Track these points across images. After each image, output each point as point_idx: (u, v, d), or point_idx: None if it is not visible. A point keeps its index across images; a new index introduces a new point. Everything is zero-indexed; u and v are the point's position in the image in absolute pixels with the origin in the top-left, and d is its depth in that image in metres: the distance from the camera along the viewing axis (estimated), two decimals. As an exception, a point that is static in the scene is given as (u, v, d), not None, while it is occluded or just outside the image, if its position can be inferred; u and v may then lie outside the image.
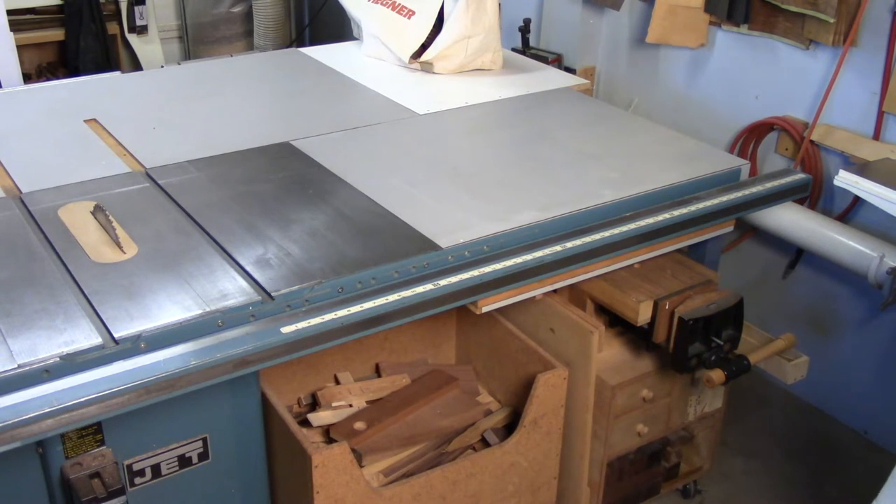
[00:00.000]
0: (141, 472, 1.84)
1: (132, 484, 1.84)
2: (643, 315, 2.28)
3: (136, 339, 1.69)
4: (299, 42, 5.37)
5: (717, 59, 3.38)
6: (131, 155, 2.49)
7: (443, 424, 2.32)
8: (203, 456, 1.91)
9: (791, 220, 2.83)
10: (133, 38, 4.75)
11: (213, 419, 1.90)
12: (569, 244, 2.13)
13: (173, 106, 2.91)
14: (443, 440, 2.30)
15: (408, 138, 2.70)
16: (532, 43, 3.92)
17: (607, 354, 2.41)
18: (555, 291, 2.32)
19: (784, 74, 3.15)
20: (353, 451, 2.07)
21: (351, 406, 2.35)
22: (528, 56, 3.67)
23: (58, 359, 1.62)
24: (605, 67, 3.88)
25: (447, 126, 2.83)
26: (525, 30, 3.85)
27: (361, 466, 2.10)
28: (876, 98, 2.87)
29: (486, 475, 2.19)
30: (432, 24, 3.20)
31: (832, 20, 2.86)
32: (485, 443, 2.31)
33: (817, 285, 3.20)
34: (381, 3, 3.30)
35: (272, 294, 1.84)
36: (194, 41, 5.21)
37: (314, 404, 2.41)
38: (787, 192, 2.54)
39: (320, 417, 2.30)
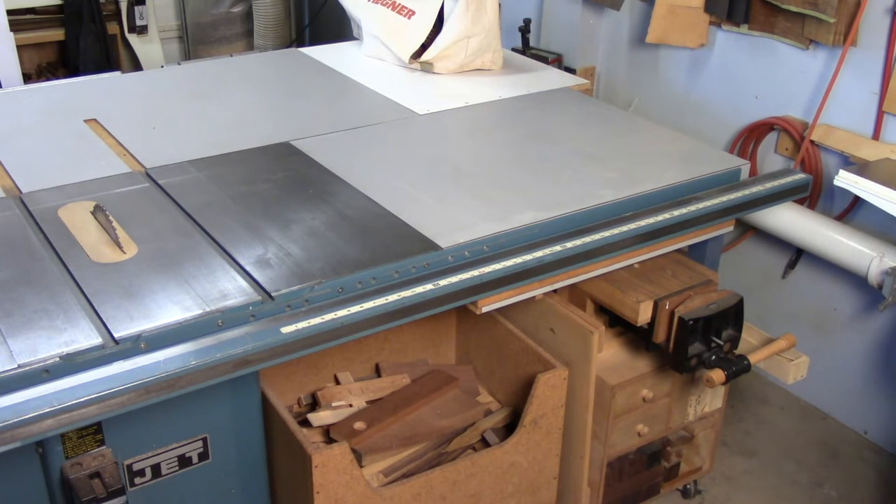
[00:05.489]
0: (141, 472, 1.84)
1: (132, 484, 1.84)
2: (643, 315, 2.28)
3: (136, 339, 1.69)
4: (299, 42, 5.37)
5: (717, 59, 3.38)
6: (131, 155, 2.49)
7: (443, 424, 2.32)
8: (203, 456, 1.91)
9: (791, 220, 2.83)
10: (133, 38, 4.74)
11: (213, 419, 1.90)
12: (569, 244, 2.13)
13: (173, 106, 2.91)
14: (443, 440, 2.30)
15: (408, 138, 2.70)
16: (532, 43, 3.93)
17: (607, 354, 2.41)
18: (555, 291, 2.32)
19: (784, 74, 3.15)
20: (353, 451, 2.07)
21: (351, 406, 2.35)
22: (528, 56, 3.67)
23: (58, 359, 1.62)
24: (605, 67, 3.88)
25: (447, 126, 2.83)
26: (525, 30, 3.85)
27: (361, 466, 2.10)
28: (876, 98, 2.87)
29: (486, 475, 2.19)
30: (432, 24, 3.20)
31: (832, 20, 2.86)
32: (485, 443, 2.31)
33: (817, 285, 3.20)
34: (381, 3, 3.30)
35: (272, 294, 1.84)
36: (194, 41, 5.21)
37: (314, 404, 2.42)
38: (787, 192, 2.54)
39: (320, 417, 2.30)
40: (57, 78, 4.15)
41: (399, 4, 3.26)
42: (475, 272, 2.00)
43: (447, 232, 2.10)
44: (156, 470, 1.86)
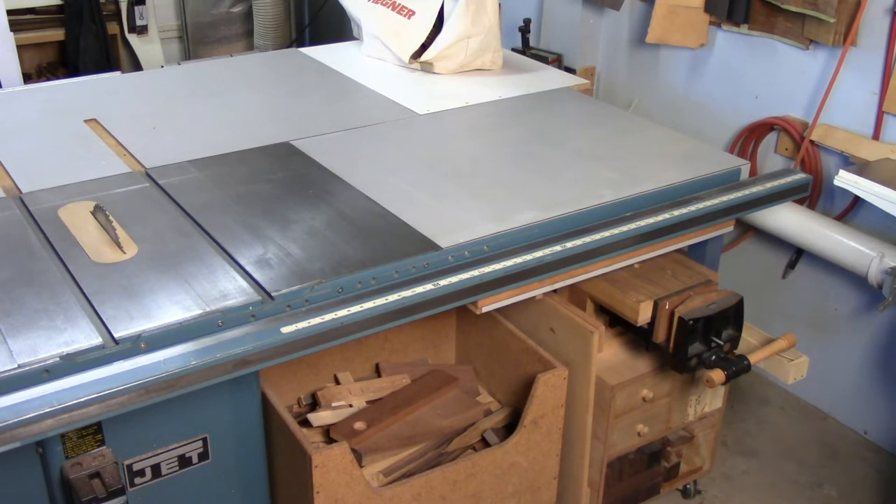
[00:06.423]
0: (141, 472, 1.84)
1: (132, 484, 1.84)
2: (643, 315, 2.28)
3: (136, 339, 1.69)
4: (299, 42, 5.37)
5: (717, 59, 3.38)
6: (131, 155, 2.49)
7: (443, 424, 2.32)
8: (203, 456, 1.91)
9: (791, 220, 2.83)
10: (133, 38, 4.74)
11: (213, 419, 1.90)
12: (569, 244, 2.13)
13: (173, 106, 2.91)
14: (443, 440, 2.30)
15: (408, 138, 2.70)
16: (532, 43, 3.92)
17: (607, 354, 2.41)
18: (555, 291, 2.32)
19: (784, 74, 3.15)
20: (353, 451, 2.07)
21: (351, 406, 2.35)
22: (528, 56, 3.67)
23: (58, 359, 1.62)
24: (605, 67, 3.88)
25: (447, 126, 2.83)
26: (525, 30, 3.85)
27: (361, 466, 2.10)
28: (876, 98, 2.87)
29: (486, 475, 2.19)
30: (432, 24, 3.20)
31: (832, 20, 2.86)
32: (485, 443, 2.31)
33: (817, 285, 3.20)
34: (381, 3, 3.30)
35: (272, 294, 1.85)
36: (194, 41, 5.21)
37: (314, 404, 2.42)
38: (787, 192, 2.54)
39: (320, 417, 2.30)
40: (57, 78, 4.16)
41: (399, 4, 3.26)
42: (475, 272, 2.00)
43: (447, 232, 2.10)
44: (156, 470, 1.86)
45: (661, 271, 2.42)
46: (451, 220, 2.17)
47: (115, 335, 1.70)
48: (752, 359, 2.35)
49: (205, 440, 1.90)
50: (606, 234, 2.18)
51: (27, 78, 4.31)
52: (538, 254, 2.08)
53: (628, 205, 2.31)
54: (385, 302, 1.88)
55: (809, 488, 2.96)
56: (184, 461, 1.89)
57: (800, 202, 2.92)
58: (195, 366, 1.67)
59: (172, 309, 1.78)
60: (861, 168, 2.71)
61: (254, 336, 1.74)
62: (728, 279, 2.73)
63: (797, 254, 3.23)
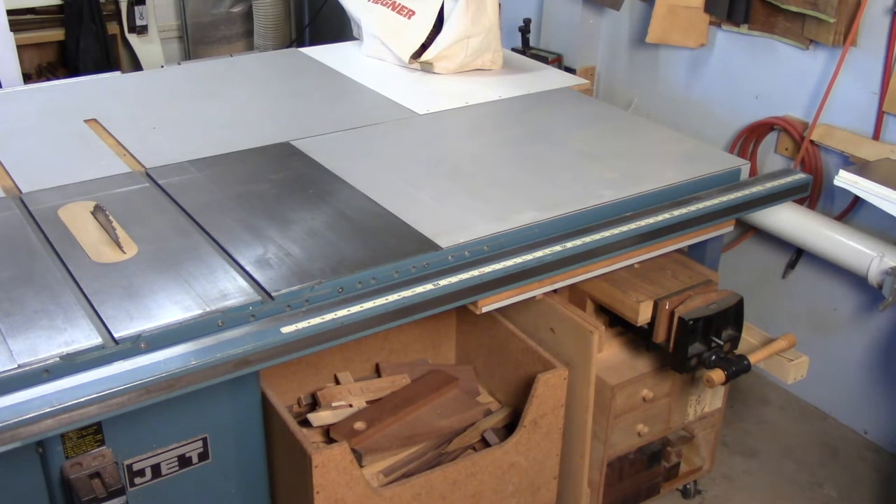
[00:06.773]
0: (141, 472, 1.84)
1: (132, 484, 1.84)
2: (643, 315, 2.28)
3: (136, 339, 1.69)
4: (299, 42, 5.37)
5: (717, 59, 3.38)
6: (131, 155, 2.50)
7: (443, 424, 2.32)
8: (203, 456, 1.91)
9: (791, 220, 2.83)
10: (133, 38, 4.75)
11: (213, 419, 1.90)
12: (569, 244, 2.13)
13: (173, 106, 2.91)
14: (443, 440, 2.30)
15: (408, 138, 2.70)
16: (532, 43, 3.93)
17: (607, 354, 2.41)
18: (555, 291, 2.32)
19: (784, 74, 3.15)
20: (353, 451, 2.07)
21: (351, 406, 2.35)
22: (528, 56, 3.67)
23: (58, 359, 1.62)
24: (605, 67, 3.88)
25: (447, 126, 2.83)
26: (525, 30, 3.85)
27: (361, 466, 2.10)
28: (876, 98, 2.87)
29: (486, 475, 2.19)
30: (432, 24, 3.20)
31: (832, 20, 2.86)
32: (485, 443, 2.31)
33: (817, 285, 3.20)
34: (381, 3, 3.30)
35: (272, 294, 1.85)
36: (194, 41, 5.21)
37: (314, 404, 2.42)
38: (787, 192, 2.54)
39: (320, 417, 2.30)
40: (57, 78, 4.16)
41: (399, 4, 3.26)
42: (475, 272, 2.00)
43: (447, 232, 2.10)
44: (156, 470, 1.86)
45: (661, 271, 2.42)
46: (451, 220, 2.17)
47: (115, 335, 1.70)
48: (752, 359, 2.35)
49: (205, 440, 1.90)
50: (606, 234, 2.18)
51: (27, 78, 4.31)
52: (538, 254, 2.08)
53: (628, 205, 2.31)
54: (385, 302, 1.88)
55: (809, 488, 2.96)
56: (184, 461, 1.89)
57: (800, 202, 2.92)
58: (195, 366, 1.67)
59: (172, 309, 1.78)
60: (861, 168, 2.71)
61: (254, 336, 1.74)
62: (728, 279, 2.73)
63: (797, 254, 3.23)
